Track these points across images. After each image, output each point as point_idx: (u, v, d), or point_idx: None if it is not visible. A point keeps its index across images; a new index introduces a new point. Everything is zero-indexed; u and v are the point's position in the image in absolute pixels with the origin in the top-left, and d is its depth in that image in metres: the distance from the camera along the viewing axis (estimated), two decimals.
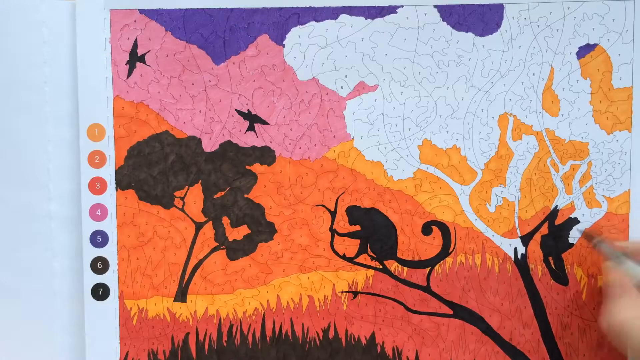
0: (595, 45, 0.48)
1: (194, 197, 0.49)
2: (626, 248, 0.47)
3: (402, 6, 0.48)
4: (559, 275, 0.50)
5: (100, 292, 0.49)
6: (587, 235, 0.49)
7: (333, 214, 0.49)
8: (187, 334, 0.50)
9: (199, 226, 0.49)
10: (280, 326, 0.50)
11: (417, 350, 0.50)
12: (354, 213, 0.50)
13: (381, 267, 0.50)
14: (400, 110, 0.49)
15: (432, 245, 0.50)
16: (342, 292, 0.50)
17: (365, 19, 0.48)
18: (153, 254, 0.49)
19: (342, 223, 0.50)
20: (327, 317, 0.50)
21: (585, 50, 0.48)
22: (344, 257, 0.50)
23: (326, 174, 0.49)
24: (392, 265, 0.50)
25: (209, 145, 0.49)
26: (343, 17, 0.48)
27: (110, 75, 0.48)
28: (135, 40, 0.48)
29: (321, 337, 0.50)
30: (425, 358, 0.50)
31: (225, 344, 0.50)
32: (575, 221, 0.50)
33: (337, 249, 0.50)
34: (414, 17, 0.48)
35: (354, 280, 0.50)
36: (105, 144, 0.49)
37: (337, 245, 0.50)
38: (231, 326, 0.50)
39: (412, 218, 0.50)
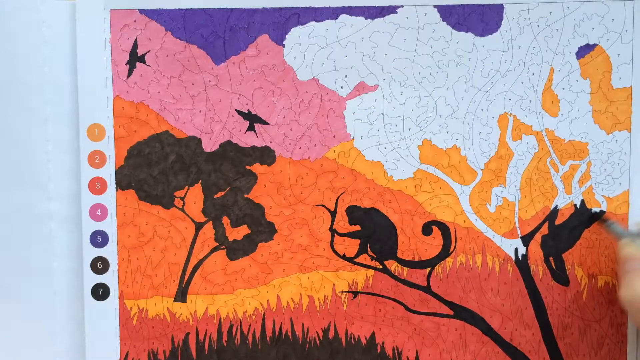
0: (594, 45, 0.48)
1: (194, 197, 0.49)
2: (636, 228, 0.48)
3: (402, 6, 0.48)
4: (560, 275, 0.50)
5: (100, 292, 0.49)
6: (599, 217, 0.49)
7: (333, 214, 0.49)
8: (187, 334, 0.50)
9: (199, 226, 0.49)
10: (280, 326, 0.50)
11: (417, 351, 0.50)
12: (354, 213, 0.49)
13: (381, 267, 0.50)
14: (400, 110, 0.49)
15: (432, 245, 0.50)
16: (342, 292, 0.50)
17: (365, 19, 0.48)
18: (153, 254, 0.49)
19: (342, 223, 0.50)
20: (327, 317, 0.50)
21: (584, 51, 0.48)
22: (344, 257, 0.50)
23: (326, 174, 0.49)
24: (392, 265, 0.50)
25: (209, 145, 0.49)
26: (343, 17, 0.48)
27: (110, 75, 0.48)
28: (135, 40, 0.48)
29: (321, 337, 0.50)
30: (425, 358, 0.50)
31: (225, 344, 0.50)
32: (574, 221, 0.50)
33: (337, 249, 0.50)
34: (414, 17, 0.48)
35: (354, 280, 0.50)
36: (105, 144, 0.49)
37: (337, 245, 0.50)
38: (231, 326, 0.50)
39: (412, 218, 0.49)
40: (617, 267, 0.48)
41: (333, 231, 0.49)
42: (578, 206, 0.50)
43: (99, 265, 0.49)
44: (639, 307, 0.43)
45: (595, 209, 0.49)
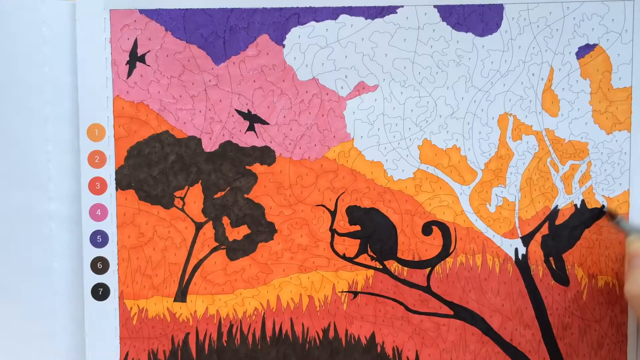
0: (594, 45, 0.48)
1: (194, 197, 0.49)
2: None
3: (402, 6, 0.48)
4: (560, 275, 0.50)
5: (100, 292, 0.49)
6: (609, 213, 0.49)
7: (333, 214, 0.49)
8: (187, 334, 0.50)
9: (199, 226, 0.49)
10: (280, 326, 0.50)
11: (417, 351, 0.50)
12: (354, 213, 0.49)
13: (381, 267, 0.50)
14: (400, 110, 0.49)
15: (432, 245, 0.50)
16: (342, 292, 0.50)
17: (365, 19, 0.48)
18: (153, 254, 0.49)
19: (342, 223, 0.50)
20: (327, 317, 0.50)
21: (584, 51, 0.48)
22: (344, 257, 0.50)
23: (326, 174, 0.49)
24: (392, 265, 0.50)
25: (209, 145, 0.49)
26: (343, 17, 0.48)
27: (110, 75, 0.48)
28: (135, 40, 0.48)
29: (321, 337, 0.50)
30: (425, 358, 0.50)
31: (225, 344, 0.50)
32: (575, 221, 0.50)
33: (337, 249, 0.50)
34: (414, 17, 0.48)
35: (354, 280, 0.50)
36: (105, 144, 0.49)
37: (337, 245, 0.50)
38: (231, 326, 0.50)
39: (412, 218, 0.49)
40: (624, 263, 0.48)
41: (333, 231, 0.49)
42: (578, 206, 0.50)
43: (99, 265, 0.49)
44: None
45: (605, 205, 0.49)
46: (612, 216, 0.49)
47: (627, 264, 0.46)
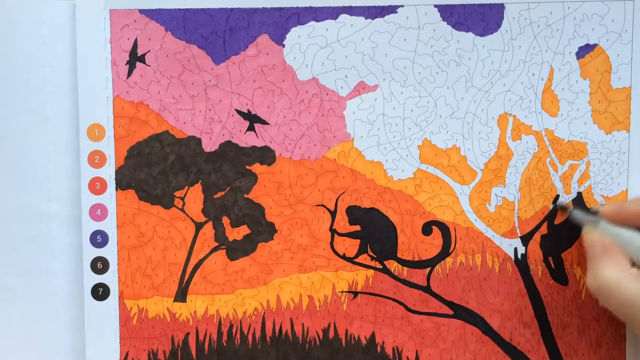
0: (594, 45, 0.48)
1: (194, 197, 0.49)
2: (597, 212, 0.47)
3: (402, 6, 0.48)
4: (559, 274, 0.50)
5: (100, 292, 0.49)
6: (561, 207, 0.49)
7: (333, 214, 0.49)
8: (187, 334, 0.50)
9: (199, 226, 0.49)
10: (280, 326, 0.50)
11: (417, 351, 0.50)
12: (354, 213, 0.50)
13: (381, 267, 0.50)
14: (400, 110, 0.49)
15: (432, 245, 0.50)
16: (342, 292, 0.50)
17: (365, 19, 0.48)
18: (153, 254, 0.49)
19: (342, 223, 0.50)
20: (327, 317, 0.50)
21: (584, 51, 0.49)
22: (344, 257, 0.50)
23: (326, 174, 0.49)
24: (392, 265, 0.50)
25: (209, 145, 0.49)
26: (343, 17, 0.48)
27: (110, 75, 0.48)
28: (135, 40, 0.48)
29: (321, 337, 0.50)
30: (425, 358, 0.50)
31: (225, 344, 0.50)
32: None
33: (337, 249, 0.50)
34: (414, 17, 0.48)
35: (354, 280, 0.50)
36: (105, 144, 0.48)
37: (337, 245, 0.50)
38: (231, 326, 0.50)
39: (412, 218, 0.50)
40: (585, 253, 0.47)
41: (333, 231, 0.49)
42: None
43: (99, 265, 0.49)
44: (605, 292, 0.42)
45: (562, 201, 0.49)
46: (563, 208, 0.49)
47: (586, 256, 0.46)
